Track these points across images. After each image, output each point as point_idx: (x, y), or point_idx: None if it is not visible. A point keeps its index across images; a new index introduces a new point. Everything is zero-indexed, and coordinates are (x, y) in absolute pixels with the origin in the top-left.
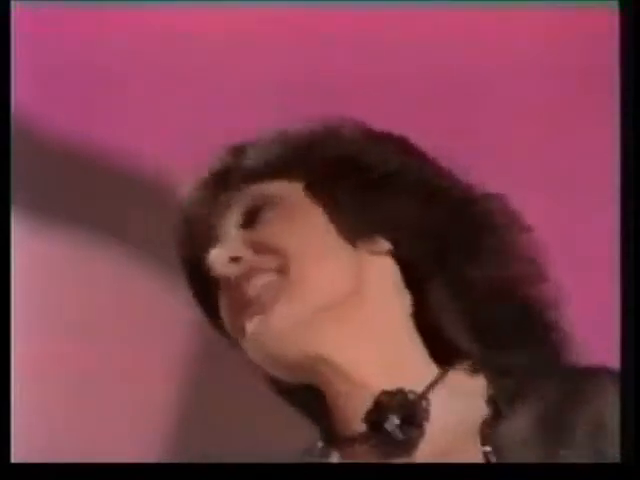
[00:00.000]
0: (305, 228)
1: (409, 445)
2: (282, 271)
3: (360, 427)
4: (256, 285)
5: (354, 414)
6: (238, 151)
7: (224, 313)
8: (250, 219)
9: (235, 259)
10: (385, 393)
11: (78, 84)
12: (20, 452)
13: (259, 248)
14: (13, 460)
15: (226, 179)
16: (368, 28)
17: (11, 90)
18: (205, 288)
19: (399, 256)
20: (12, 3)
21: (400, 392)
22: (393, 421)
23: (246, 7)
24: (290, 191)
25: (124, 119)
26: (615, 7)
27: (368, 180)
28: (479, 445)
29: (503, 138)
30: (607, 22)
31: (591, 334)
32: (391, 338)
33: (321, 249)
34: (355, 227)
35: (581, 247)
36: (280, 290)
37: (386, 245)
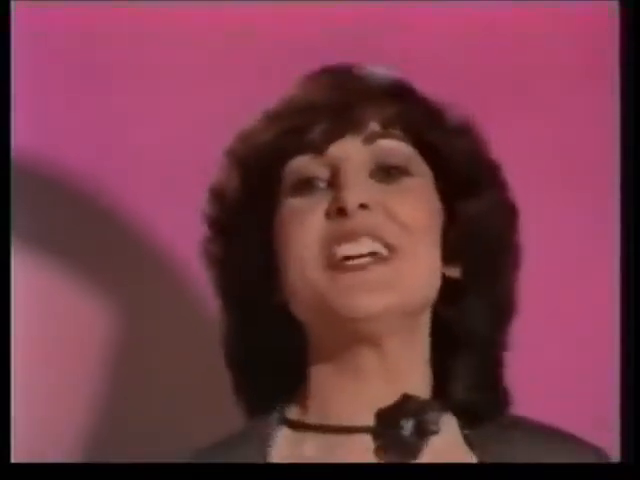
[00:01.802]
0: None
1: (414, 451)
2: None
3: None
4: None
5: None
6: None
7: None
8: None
9: (364, 206)
10: (406, 396)
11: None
12: (20, 452)
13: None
14: (13, 460)
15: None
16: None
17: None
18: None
19: None
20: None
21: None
22: (408, 425)
23: None
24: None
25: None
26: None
27: None
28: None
29: (502, 135)
30: (608, 18)
31: (590, 333)
32: None
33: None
34: None
35: (580, 248)
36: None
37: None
